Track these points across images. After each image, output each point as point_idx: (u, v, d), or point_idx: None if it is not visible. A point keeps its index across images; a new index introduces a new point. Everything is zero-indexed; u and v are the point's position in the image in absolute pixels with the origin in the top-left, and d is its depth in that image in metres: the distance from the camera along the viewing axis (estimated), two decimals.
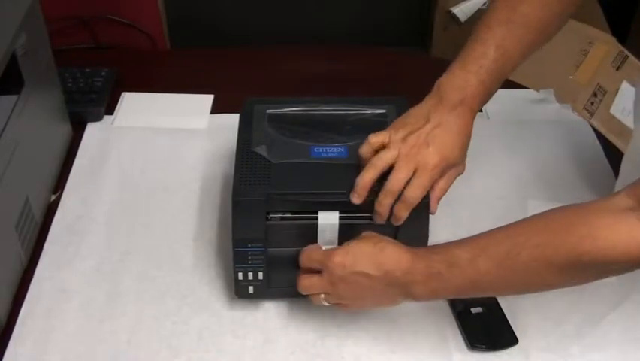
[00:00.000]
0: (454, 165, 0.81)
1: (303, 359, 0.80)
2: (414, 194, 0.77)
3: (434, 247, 0.75)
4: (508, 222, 0.94)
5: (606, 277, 0.70)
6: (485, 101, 0.83)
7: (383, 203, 0.77)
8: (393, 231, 0.79)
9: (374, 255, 0.74)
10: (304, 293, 0.79)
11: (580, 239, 0.65)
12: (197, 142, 1.07)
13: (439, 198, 0.80)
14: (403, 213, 0.77)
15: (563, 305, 0.86)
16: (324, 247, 0.79)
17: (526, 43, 0.83)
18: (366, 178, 0.77)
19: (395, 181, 0.77)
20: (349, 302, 0.78)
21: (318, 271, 0.77)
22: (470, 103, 0.80)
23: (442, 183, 0.80)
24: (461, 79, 0.80)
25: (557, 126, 1.11)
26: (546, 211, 0.71)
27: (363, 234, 0.77)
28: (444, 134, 0.79)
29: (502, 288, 0.74)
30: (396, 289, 0.74)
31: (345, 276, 0.74)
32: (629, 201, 0.65)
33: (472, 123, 0.81)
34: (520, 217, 0.95)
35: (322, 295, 0.77)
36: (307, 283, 0.78)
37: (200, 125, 1.10)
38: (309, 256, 0.78)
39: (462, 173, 0.83)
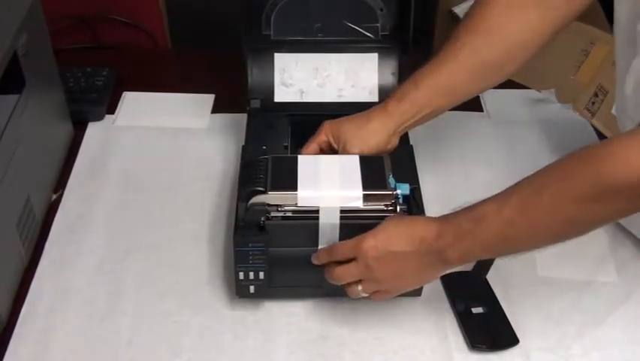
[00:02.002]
0: (345, 140, 0.86)
1: (304, 359, 0.80)
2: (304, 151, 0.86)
3: (463, 208, 0.73)
4: None
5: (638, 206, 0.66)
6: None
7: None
8: None
9: (405, 229, 0.74)
10: (340, 283, 0.77)
11: (599, 163, 0.63)
12: (198, 142, 1.07)
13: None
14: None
15: (564, 305, 0.86)
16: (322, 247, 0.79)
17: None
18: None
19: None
20: (388, 286, 0.76)
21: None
22: (387, 99, 0.86)
23: None
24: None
25: (558, 126, 1.11)
26: (570, 152, 0.68)
27: (388, 217, 0.77)
28: (352, 117, 0.87)
29: (530, 237, 0.69)
30: (431, 257, 0.72)
31: (379, 257, 0.73)
32: None
33: (379, 116, 0.86)
34: None
35: (360, 287, 0.76)
36: (341, 271, 0.76)
37: (201, 125, 1.10)
38: (338, 250, 0.77)
39: None
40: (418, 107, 0.85)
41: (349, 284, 0.77)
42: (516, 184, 0.69)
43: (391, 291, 0.77)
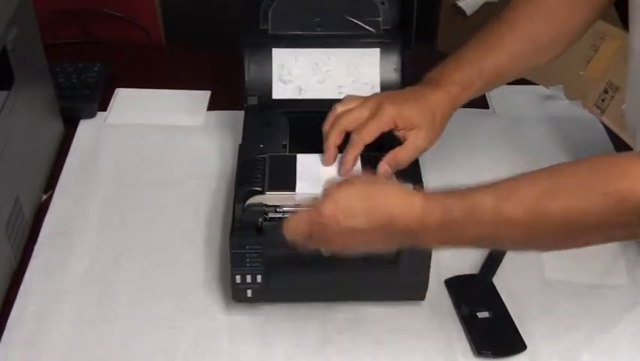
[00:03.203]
0: (412, 127, 0.82)
1: None
2: (363, 136, 0.80)
3: (451, 191, 0.68)
4: None
5: None
6: (464, 96, 0.86)
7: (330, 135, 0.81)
8: None
9: (374, 204, 0.67)
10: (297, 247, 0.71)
11: (616, 179, 0.62)
12: (194, 140, 1.07)
13: (390, 162, 0.81)
14: (349, 156, 0.81)
15: (573, 310, 0.85)
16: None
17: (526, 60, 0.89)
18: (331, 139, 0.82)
19: (350, 117, 0.81)
20: (345, 252, 0.70)
21: None
22: (444, 84, 0.84)
23: (398, 151, 0.82)
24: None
25: (567, 123, 1.11)
26: (585, 158, 0.66)
27: (352, 177, 0.73)
28: (404, 95, 0.85)
29: (525, 240, 0.66)
30: (402, 238, 0.67)
31: (340, 231, 0.67)
32: None
33: (442, 102, 0.84)
34: None
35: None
36: (300, 243, 0.70)
37: (197, 123, 1.10)
38: (295, 225, 0.70)
39: (425, 149, 0.84)
40: (474, 93, 0.87)
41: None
42: (522, 176, 0.66)
43: (348, 253, 0.71)
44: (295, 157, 0.84)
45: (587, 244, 0.67)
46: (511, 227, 0.65)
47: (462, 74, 0.86)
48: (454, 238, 0.67)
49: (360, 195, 0.68)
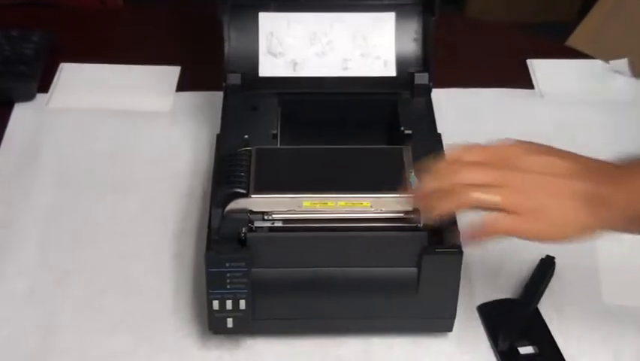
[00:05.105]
0: None
1: None
2: None
3: None
4: None
5: None
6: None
7: None
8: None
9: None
10: (454, 180, 0.72)
11: None
12: (160, 129, 1.08)
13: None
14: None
15: (638, 343, 0.86)
16: None
17: None
18: None
19: None
20: (528, 188, 0.71)
21: None
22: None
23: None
24: None
25: (632, 107, 1.11)
26: None
27: None
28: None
29: None
30: (590, 185, 0.70)
31: (527, 161, 0.72)
32: None
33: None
34: None
35: (494, 195, 0.70)
36: (471, 166, 0.74)
37: (163, 107, 1.11)
38: (470, 148, 0.75)
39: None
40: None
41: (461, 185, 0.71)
42: None
43: (527, 210, 0.70)
44: (289, 151, 0.84)
45: None
46: None
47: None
48: None
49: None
